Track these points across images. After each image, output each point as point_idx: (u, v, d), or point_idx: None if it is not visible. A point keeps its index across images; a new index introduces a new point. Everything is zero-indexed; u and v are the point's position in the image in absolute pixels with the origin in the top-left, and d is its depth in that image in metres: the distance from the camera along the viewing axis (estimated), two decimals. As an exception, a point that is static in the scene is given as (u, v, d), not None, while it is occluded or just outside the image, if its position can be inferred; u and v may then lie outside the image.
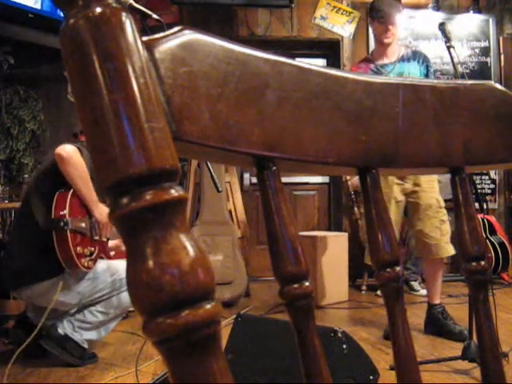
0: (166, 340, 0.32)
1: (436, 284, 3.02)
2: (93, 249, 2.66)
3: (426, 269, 3.15)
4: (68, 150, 2.50)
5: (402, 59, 3.04)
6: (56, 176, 2.54)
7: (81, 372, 2.51)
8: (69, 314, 2.67)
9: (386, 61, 3.05)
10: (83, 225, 2.62)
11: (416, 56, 3.08)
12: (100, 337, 2.73)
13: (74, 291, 2.60)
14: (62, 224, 2.49)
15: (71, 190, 2.57)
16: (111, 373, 2.47)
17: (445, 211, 3.01)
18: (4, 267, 2.69)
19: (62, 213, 2.52)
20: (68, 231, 2.50)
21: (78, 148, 2.54)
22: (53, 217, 2.52)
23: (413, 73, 3.00)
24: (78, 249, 2.54)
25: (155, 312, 0.32)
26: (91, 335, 2.67)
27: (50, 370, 2.53)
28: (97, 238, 2.72)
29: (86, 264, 2.58)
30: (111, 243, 2.96)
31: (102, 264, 2.71)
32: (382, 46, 3.05)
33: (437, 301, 3.03)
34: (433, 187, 3.02)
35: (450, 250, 2.99)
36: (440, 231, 2.98)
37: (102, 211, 2.67)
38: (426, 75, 3.03)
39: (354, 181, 4.68)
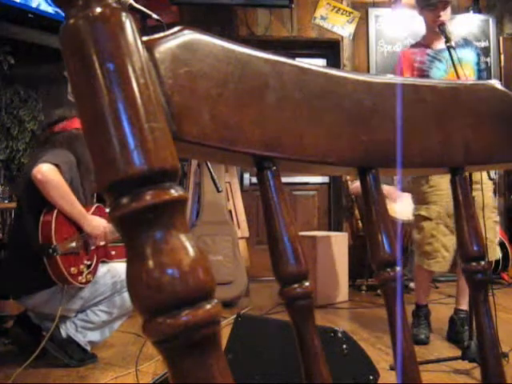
0: (166, 340, 0.32)
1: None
2: (89, 262, 2.61)
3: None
4: (44, 171, 2.39)
5: (458, 46, 2.90)
6: (37, 193, 2.44)
7: (81, 372, 2.51)
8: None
9: (440, 47, 2.93)
10: (73, 244, 2.54)
11: (468, 44, 3.02)
12: (104, 337, 2.71)
13: (76, 297, 2.58)
14: (50, 251, 2.41)
15: (55, 210, 2.47)
16: (111, 373, 2.47)
17: (496, 211, 2.93)
18: (3, 274, 2.67)
19: (48, 238, 2.43)
20: (58, 257, 2.42)
21: (56, 164, 2.43)
22: (40, 242, 2.44)
23: (469, 59, 2.93)
24: (72, 269, 2.47)
25: (155, 312, 0.31)
26: (94, 336, 2.66)
27: (50, 370, 2.52)
28: (93, 247, 2.67)
29: (83, 280, 2.53)
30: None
31: (103, 268, 2.69)
32: (434, 33, 2.93)
33: (462, 306, 2.91)
34: (490, 186, 2.90)
35: (499, 253, 2.90)
36: (494, 232, 2.86)
37: (92, 224, 2.60)
38: (478, 63, 2.98)
39: (353, 187, 4.66)
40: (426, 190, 2.88)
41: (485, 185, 2.85)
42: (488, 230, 2.80)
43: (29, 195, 2.57)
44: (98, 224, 2.64)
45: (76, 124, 2.69)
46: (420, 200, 2.93)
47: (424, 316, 2.99)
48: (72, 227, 2.58)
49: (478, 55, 3.03)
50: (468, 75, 2.87)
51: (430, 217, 2.85)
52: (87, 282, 2.57)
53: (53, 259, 2.43)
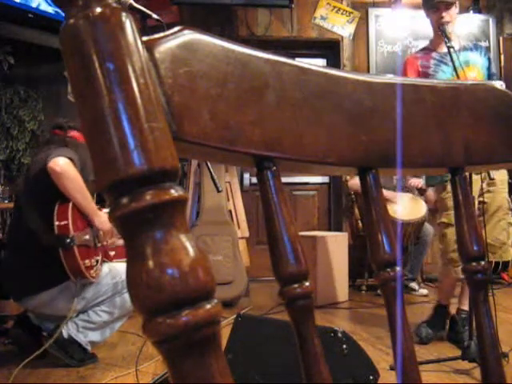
0: (166, 340, 0.32)
1: None
2: (98, 257, 2.66)
3: None
4: (62, 164, 2.43)
5: (465, 48, 2.92)
6: (49, 186, 2.47)
7: (81, 372, 2.51)
8: (72, 315, 2.67)
9: (445, 49, 2.80)
10: (87, 237, 2.59)
11: (478, 48, 3.01)
12: (105, 337, 2.72)
13: (78, 297, 2.59)
14: (68, 241, 2.45)
15: (70, 203, 2.51)
16: (111, 373, 2.47)
17: (510, 213, 2.93)
18: (3, 276, 2.67)
19: (66, 229, 2.47)
20: (75, 247, 2.46)
21: (70, 158, 2.48)
22: (57, 233, 2.47)
23: (477, 62, 2.92)
24: (86, 262, 2.52)
25: (155, 312, 0.31)
26: (95, 336, 2.66)
27: (50, 370, 2.52)
28: (99, 245, 2.71)
29: (94, 274, 2.58)
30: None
31: (104, 268, 2.71)
32: (439, 36, 2.85)
33: (465, 306, 2.88)
34: (505, 187, 2.91)
35: (511, 254, 2.90)
36: (507, 233, 2.87)
37: (102, 219, 2.64)
38: (488, 68, 2.97)
39: (352, 183, 4.64)
40: (444, 196, 2.84)
41: (503, 186, 2.85)
42: (500, 231, 2.83)
43: (39, 189, 2.58)
44: (106, 219, 2.66)
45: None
46: (440, 207, 2.91)
47: (440, 315, 2.98)
48: (84, 221, 2.62)
49: (489, 60, 3.01)
50: (474, 78, 2.86)
51: (451, 222, 2.76)
52: (96, 276, 2.59)
53: (70, 250, 2.46)
